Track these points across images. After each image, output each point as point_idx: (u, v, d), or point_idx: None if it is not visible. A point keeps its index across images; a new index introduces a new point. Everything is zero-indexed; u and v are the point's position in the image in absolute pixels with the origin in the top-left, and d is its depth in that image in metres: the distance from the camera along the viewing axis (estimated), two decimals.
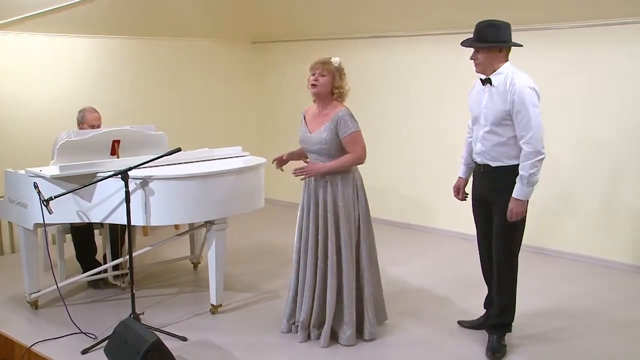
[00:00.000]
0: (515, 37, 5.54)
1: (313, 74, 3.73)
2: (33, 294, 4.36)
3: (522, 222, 3.62)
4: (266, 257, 5.59)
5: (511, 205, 3.50)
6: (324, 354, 3.73)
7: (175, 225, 5.46)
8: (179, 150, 3.99)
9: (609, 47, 5.13)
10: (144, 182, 3.96)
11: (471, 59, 3.57)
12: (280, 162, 4.07)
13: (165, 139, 4.72)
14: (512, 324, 3.79)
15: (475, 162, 3.74)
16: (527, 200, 3.51)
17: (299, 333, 3.89)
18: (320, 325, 3.85)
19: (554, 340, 3.90)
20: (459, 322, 4.09)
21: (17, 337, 3.98)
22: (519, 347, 3.80)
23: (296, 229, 3.92)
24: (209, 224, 4.23)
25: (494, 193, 3.63)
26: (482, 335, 3.87)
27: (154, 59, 6.75)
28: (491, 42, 3.49)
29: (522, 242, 5.62)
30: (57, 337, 3.94)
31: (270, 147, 7.30)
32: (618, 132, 5.17)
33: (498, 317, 3.74)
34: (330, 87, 3.70)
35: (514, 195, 3.48)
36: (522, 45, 3.60)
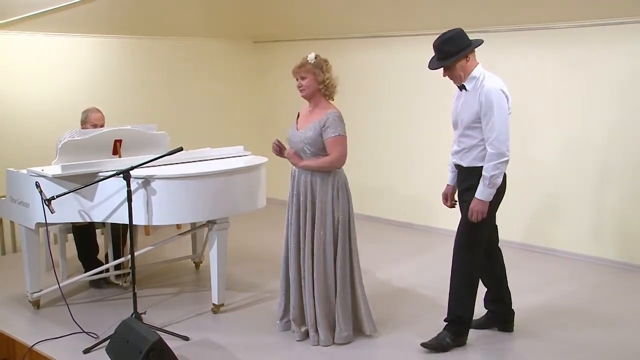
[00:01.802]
0: (514, 37, 5.59)
1: (297, 80, 3.76)
2: (35, 294, 4.36)
3: (489, 220, 3.66)
4: (268, 256, 5.59)
5: (472, 204, 3.56)
6: (324, 354, 3.73)
7: (177, 224, 5.46)
8: (180, 149, 4.00)
9: (603, 47, 5.13)
10: (146, 181, 3.96)
11: (444, 76, 3.63)
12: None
13: (166, 139, 4.73)
14: (514, 323, 3.81)
15: (454, 163, 3.81)
16: (489, 201, 3.55)
17: (295, 332, 3.88)
18: (313, 324, 3.83)
19: (550, 336, 3.91)
20: None
21: (18, 337, 3.99)
22: (514, 343, 3.82)
23: (285, 226, 3.92)
24: (210, 223, 4.24)
25: (465, 192, 3.70)
26: (482, 335, 3.90)
27: (155, 58, 6.75)
28: (454, 55, 3.52)
29: (517, 240, 5.67)
30: (58, 337, 3.94)
31: (270, 147, 7.30)
32: (611, 132, 5.18)
33: (452, 312, 3.75)
34: (315, 85, 3.71)
35: (476, 195, 3.55)
36: (482, 41, 3.61)
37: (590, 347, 3.82)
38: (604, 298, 4.59)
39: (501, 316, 3.97)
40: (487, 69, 3.63)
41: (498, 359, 3.71)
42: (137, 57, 6.61)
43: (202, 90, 7.18)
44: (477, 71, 3.57)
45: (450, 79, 3.62)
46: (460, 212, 3.85)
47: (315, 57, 3.73)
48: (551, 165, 5.54)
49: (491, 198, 3.55)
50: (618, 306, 4.45)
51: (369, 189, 6.52)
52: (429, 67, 3.63)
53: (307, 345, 3.83)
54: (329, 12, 6.64)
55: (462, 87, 3.62)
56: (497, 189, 3.58)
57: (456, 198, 3.95)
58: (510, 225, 5.82)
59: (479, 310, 4.07)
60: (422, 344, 3.71)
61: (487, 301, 4.01)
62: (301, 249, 3.79)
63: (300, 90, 3.75)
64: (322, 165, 3.70)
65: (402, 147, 6.51)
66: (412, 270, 5.18)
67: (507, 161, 3.51)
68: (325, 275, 3.75)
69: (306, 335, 3.87)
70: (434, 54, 3.63)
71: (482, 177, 3.52)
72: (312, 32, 6.89)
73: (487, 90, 3.48)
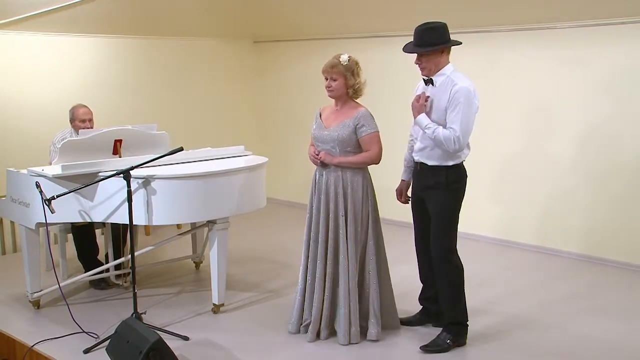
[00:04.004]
0: (514, 37, 5.58)
1: (326, 79, 3.75)
2: (35, 294, 4.36)
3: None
4: (268, 256, 5.59)
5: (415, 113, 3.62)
6: (326, 353, 3.73)
7: (177, 224, 5.46)
8: (180, 149, 4.00)
9: (604, 46, 5.13)
10: (146, 181, 3.96)
11: (416, 63, 3.62)
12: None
13: (167, 139, 4.73)
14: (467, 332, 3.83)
15: (414, 161, 3.81)
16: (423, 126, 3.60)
17: (308, 333, 3.87)
18: (329, 324, 3.85)
19: (549, 334, 3.92)
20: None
21: (18, 337, 3.98)
22: (514, 342, 3.82)
23: (305, 227, 3.91)
24: (210, 223, 4.24)
25: (428, 191, 3.71)
26: (480, 334, 3.91)
27: (155, 58, 6.75)
28: (433, 45, 3.53)
29: (524, 242, 5.66)
30: (58, 337, 3.94)
31: (271, 147, 7.31)
32: (612, 131, 5.18)
33: (449, 316, 3.77)
34: (344, 88, 3.73)
35: (420, 116, 3.59)
36: (461, 43, 3.64)
37: (591, 346, 3.82)
38: (608, 298, 4.59)
39: (435, 312, 3.96)
40: (461, 68, 3.64)
41: (498, 357, 3.70)
42: (137, 57, 6.61)
43: (202, 90, 7.18)
44: (447, 69, 3.58)
45: (421, 68, 3.60)
46: (416, 214, 3.87)
47: (348, 59, 3.73)
48: (556, 164, 5.53)
49: (417, 121, 3.60)
50: (631, 308, 4.44)
51: None
52: (403, 50, 3.63)
53: (310, 344, 3.83)
54: (328, 12, 6.64)
55: (428, 82, 3.62)
56: (461, 188, 3.65)
57: (409, 194, 3.97)
58: (516, 226, 5.84)
59: (484, 307, 4.07)
60: (422, 347, 3.72)
61: (422, 299, 4.06)
62: (328, 254, 3.78)
63: (329, 91, 3.75)
64: (362, 160, 3.75)
65: (402, 146, 6.49)
66: (412, 270, 5.17)
67: (455, 149, 3.50)
68: (361, 271, 3.80)
69: (318, 336, 3.87)
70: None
71: (437, 126, 3.51)
72: (312, 32, 6.89)
73: (460, 87, 3.49)
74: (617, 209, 5.24)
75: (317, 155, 3.79)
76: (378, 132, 3.75)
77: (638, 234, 5.15)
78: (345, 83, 3.70)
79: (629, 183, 5.17)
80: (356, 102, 3.81)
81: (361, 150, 3.76)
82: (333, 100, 3.85)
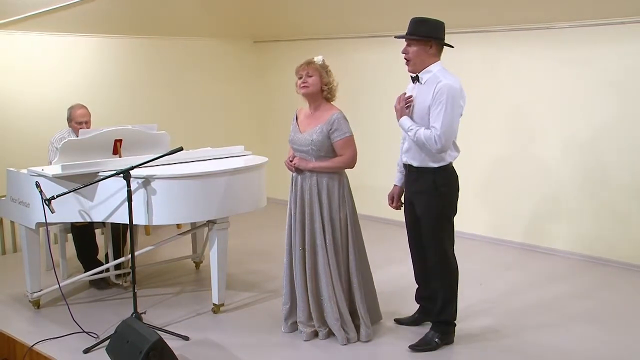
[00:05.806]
0: (514, 37, 5.59)
1: (300, 77, 3.74)
2: (35, 293, 4.36)
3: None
4: (268, 256, 5.59)
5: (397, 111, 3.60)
6: (323, 353, 3.74)
7: (177, 224, 5.46)
8: (180, 149, 4.00)
9: (603, 47, 5.13)
10: (146, 181, 3.96)
11: (402, 52, 3.60)
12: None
13: (167, 139, 4.73)
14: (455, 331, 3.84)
15: (403, 162, 3.77)
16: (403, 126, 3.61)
17: (303, 332, 3.88)
18: (324, 324, 3.86)
19: (543, 333, 3.92)
20: (395, 320, 4.11)
21: (18, 337, 3.99)
22: (505, 340, 3.82)
23: (286, 229, 3.92)
24: (210, 223, 4.24)
25: (416, 195, 3.69)
26: (470, 333, 3.93)
27: (155, 58, 6.75)
28: (422, 36, 3.50)
29: (517, 240, 5.64)
30: (58, 337, 3.94)
31: (271, 147, 7.31)
32: (612, 131, 5.18)
33: (437, 314, 3.78)
34: (319, 85, 3.72)
35: (403, 118, 3.58)
36: (453, 47, 3.61)
37: (584, 346, 3.82)
38: (601, 298, 4.59)
39: (433, 310, 3.96)
40: (447, 68, 3.62)
41: (489, 355, 3.71)
42: (137, 57, 6.61)
43: (202, 90, 7.19)
44: (434, 67, 3.54)
45: (406, 58, 3.58)
46: (408, 218, 3.86)
47: (322, 60, 3.76)
48: (551, 164, 5.53)
49: (400, 123, 3.58)
50: (617, 306, 4.45)
51: (368, 189, 6.52)
52: (395, 37, 3.65)
53: (308, 344, 3.84)
54: (328, 12, 6.64)
55: (415, 80, 3.60)
56: (451, 191, 3.61)
57: (402, 200, 3.94)
58: (510, 225, 5.84)
59: (481, 307, 4.07)
60: (411, 346, 3.73)
61: (419, 298, 4.06)
62: (307, 252, 3.78)
63: (304, 87, 3.72)
64: (336, 165, 3.74)
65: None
66: (411, 269, 5.17)
67: (437, 148, 3.44)
68: (345, 273, 3.80)
69: (314, 335, 3.88)
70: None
71: (418, 128, 3.49)
72: (312, 32, 6.90)
73: (444, 84, 3.43)
74: (612, 209, 5.25)
75: (292, 161, 3.79)
76: (352, 136, 3.73)
77: (633, 233, 5.15)
78: (321, 80, 3.71)
79: (622, 183, 5.18)
80: (330, 104, 3.79)
81: (336, 154, 3.75)
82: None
